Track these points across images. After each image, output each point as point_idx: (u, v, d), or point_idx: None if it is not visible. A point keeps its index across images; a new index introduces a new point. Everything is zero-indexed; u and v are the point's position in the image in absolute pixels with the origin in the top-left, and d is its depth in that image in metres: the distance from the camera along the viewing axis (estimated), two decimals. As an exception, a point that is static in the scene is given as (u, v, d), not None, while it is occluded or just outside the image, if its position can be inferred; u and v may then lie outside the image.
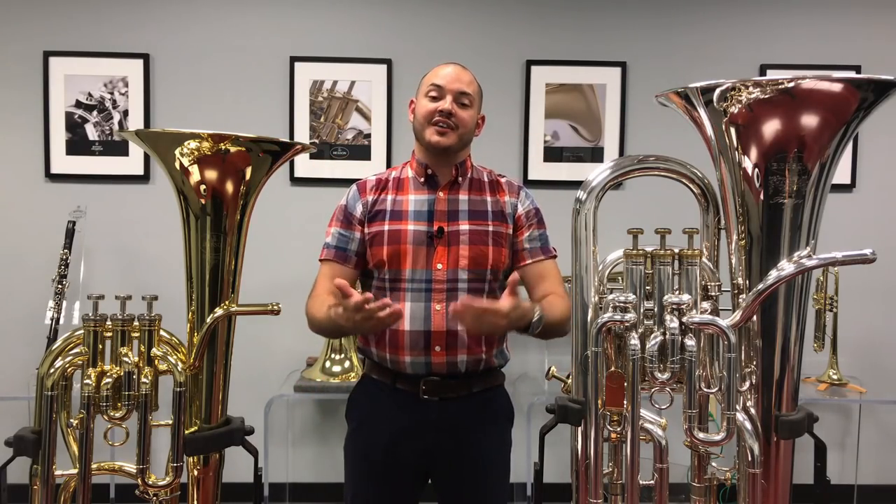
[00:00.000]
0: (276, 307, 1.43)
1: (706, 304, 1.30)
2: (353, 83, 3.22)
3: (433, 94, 1.72)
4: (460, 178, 1.77)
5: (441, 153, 1.73)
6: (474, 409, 1.74)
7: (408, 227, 1.72)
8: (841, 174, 3.22)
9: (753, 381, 1.28)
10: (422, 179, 1.76)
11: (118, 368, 1.39)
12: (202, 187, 1.41)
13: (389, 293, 1.71)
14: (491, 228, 1.74)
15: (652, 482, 1.30)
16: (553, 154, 3.26)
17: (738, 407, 1.25)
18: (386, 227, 1.73)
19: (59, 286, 2.86)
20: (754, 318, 1.25)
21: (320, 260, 1.79)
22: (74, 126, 3.16)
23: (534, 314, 1.59)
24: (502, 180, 1.83)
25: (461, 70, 1.75)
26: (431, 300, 1.68)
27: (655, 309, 1.29)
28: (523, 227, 1.78)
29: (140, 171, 3.19)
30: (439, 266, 1.69)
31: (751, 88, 1.18)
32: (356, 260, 1.76)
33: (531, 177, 3.22)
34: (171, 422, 1.39)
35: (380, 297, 1.71)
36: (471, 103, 1.73)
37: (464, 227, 1.72)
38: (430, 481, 1.79)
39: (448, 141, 1.70)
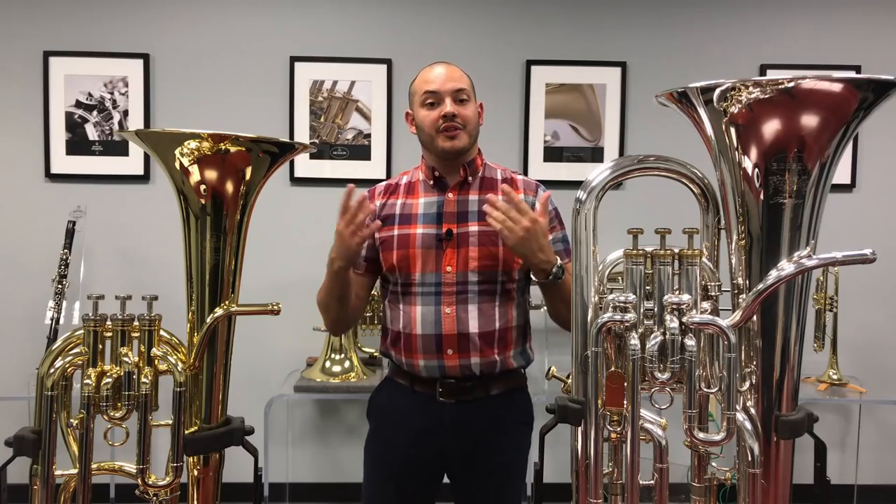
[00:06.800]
0: (276, 307, 1.43)
1: (706, 304, 1.30)
2: (353, 83, 3.22)
3: (430, 101, 1.69)
4: (470, 178, 1.74)
5: (456, 156, 1.71)
6: (490, 413, 1.72)
7: (416, 230, 1.70)
8: (841, 174, 3.22)
9: (753, 381, 1.28)
10: (430, 182, 1.75)
11: (118, 368, 1.39)
12: (202, 187, 1.41)
13: (402, 297, 1.71)
14: None
15: (652, 482, 1.30)
16: (553, 154, 3.26)
17: (738, 407, 1.25)
18: (395, 232, 1.72)
19: (59, 286, 2.86)
20: (754, 318, 1.25)
21: None
22: (74, 126, 3.16)
23: (557, 260, 1.59)
24: (518, 178, 1.79)
25: (448, 67, 1.72)
26: (441, 303, 1.67)
27: (655, 309, 1.29)
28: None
29: (140, 171, 3.19)
30: (448, 269, 1.68)
31: (751, 88, 1.18)
32: (366, 265, 1.76)
33: (531, 176, 3.20)
34: (171, 422, 1.39)
35: (394, 302, 1.74)
36: (468, 97, 1.71)
37: (473, 228, 1.69)
38: (444, 480, 1.78)
39: (461, 143, 1.68)
